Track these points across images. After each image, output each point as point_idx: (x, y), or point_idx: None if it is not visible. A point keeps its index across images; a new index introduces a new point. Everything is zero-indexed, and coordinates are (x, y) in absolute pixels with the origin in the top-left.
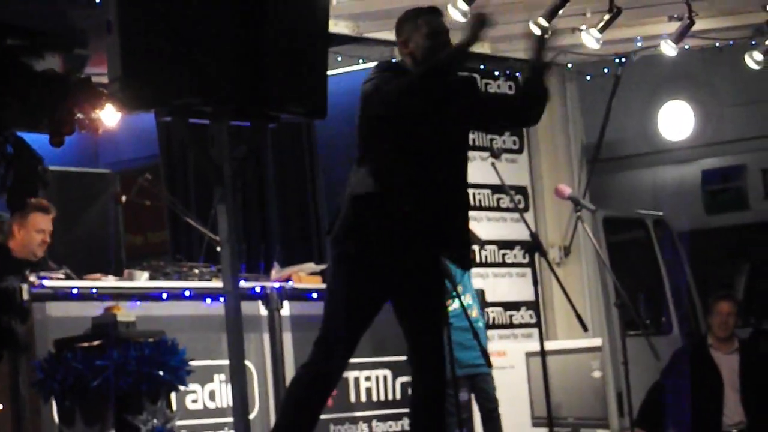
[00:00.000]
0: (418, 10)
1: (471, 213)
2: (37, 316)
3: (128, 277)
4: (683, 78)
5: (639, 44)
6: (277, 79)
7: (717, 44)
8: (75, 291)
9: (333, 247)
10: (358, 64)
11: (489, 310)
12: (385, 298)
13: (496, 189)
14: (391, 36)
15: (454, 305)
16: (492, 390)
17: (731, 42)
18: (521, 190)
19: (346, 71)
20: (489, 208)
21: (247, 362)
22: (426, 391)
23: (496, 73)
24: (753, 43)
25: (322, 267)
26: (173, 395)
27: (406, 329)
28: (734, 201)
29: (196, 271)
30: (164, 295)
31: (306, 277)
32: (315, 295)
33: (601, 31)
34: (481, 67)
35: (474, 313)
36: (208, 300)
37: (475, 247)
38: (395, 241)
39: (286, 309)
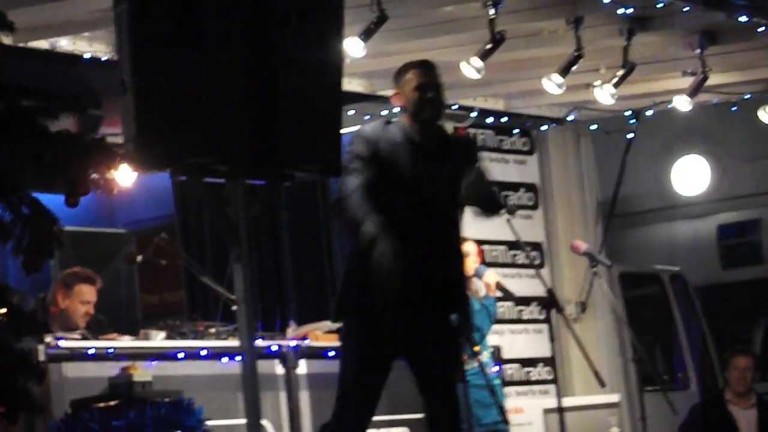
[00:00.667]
0: (410, 63)
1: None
2: (54, 377)
3: (144, 336)
4: (698, 133)
5: (653, 100)
6: (292, 137)
7: (731, 99)
8: (91, 351)
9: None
10: (373, 121)
11: (506, 366)
12: (391, 358)
13: (512, 245)
14: None
15: (472, 364)
16: None
17: (745, 97)
18: (537, 246)
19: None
20: (505, 265)
21: (263, 421)
22: None
23: (512, 131)
24: (767, 97)
25: (339, 325)
26: None
27: (418, 385)
28: (750, 255)
29: (213, 330)
30: (180, 355)
31: (322, 335)
32: (332, 354)
33: (615, 86)
34: (495, 122)
35: (491, 369)
36: (225, 359)
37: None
38: (385, 305)
39: (302, 367)
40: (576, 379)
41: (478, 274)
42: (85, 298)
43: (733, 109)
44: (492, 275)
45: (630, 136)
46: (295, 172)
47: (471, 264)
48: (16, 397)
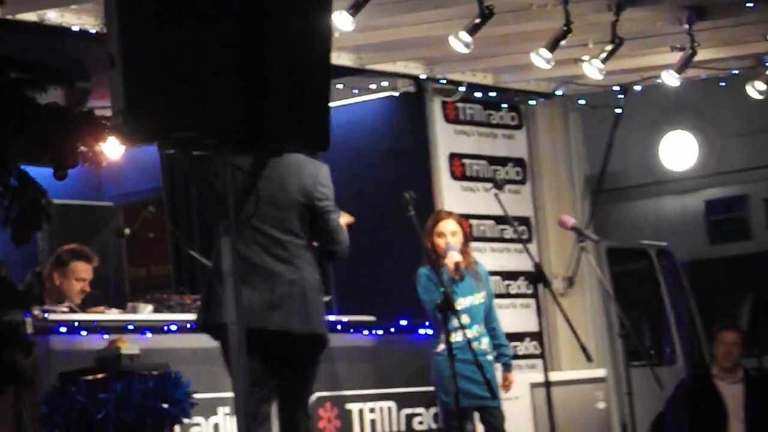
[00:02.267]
0: None
1: (476, 244)
2: (41, 350)
3: (132, 310)
4: (685, 108)
5: (641, 75)
6: (280, 111)
7: (719, 74)
8: (79, 324)
9: None
10: (361, 95)
11: None
12: None
13: (500, 220)
14: (393, 67)
15: (457, 338)
16: (500, 423)
17: (733, 72)
18: (524, 221)
19: (348, 103)
20: (492, 239)
21: None
22: None
23: (500, 105)
24: (755, 72)
25: (326, 299)
26: (177, 428)
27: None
28: (737, 231)
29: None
30: (168, 328)
31: None
32: None
33: (604, 61)
34: (483, 97)
35: (483, 345)
36: None
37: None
38: None
39: None
40: (563, 354)
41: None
42: (80, 275)
43: (722, 84)
44: (453, 255)
45: (618, 111)
46: (284, 146)
47: (442, 243)
48: (3, 369)
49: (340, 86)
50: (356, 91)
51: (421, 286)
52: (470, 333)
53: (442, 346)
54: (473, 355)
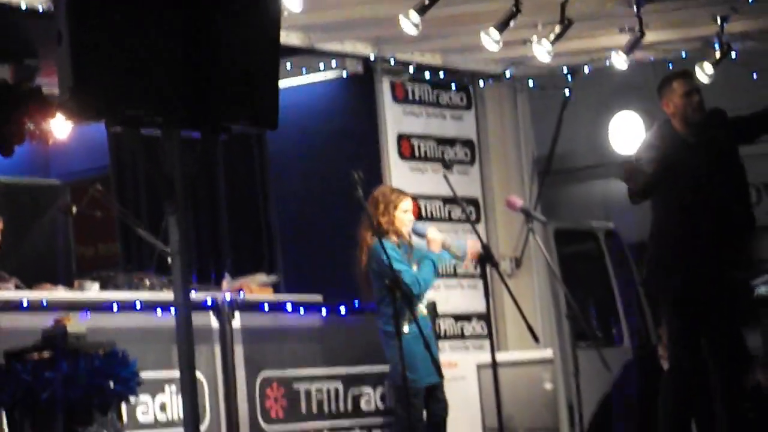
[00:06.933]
0: (672, 74)
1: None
2: None
3: (79, 288)
4: (634, 90)
5: (590, 56)
6: (228, 89)
7: (668, 57)
8: (25, 302)
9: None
10: (309, 75)
11: (440, 321)
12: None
13: (448, 200)
14: (342, 47)
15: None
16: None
17: (682, 54)
18: (473, 201)
19: (297, 83)
20: (440, 220)
21: (197, 373)
22: None
23: (449, 86)
24: (703, 55)
25: (273, 278)
26: (124, 407)
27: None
28: None
29: (147, 282)
30: (115, 307)
31: (257, 288)
32: (266, 307)
33: (553, 43)
34: (432, 77)
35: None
36: (159, 311)
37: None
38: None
39: (237, 320)
40: (510, 335)
41: (420, 232)
42: None
43: (670, 66)
44: (436, 231)
45: (566, 92)
46: (232, 124)
47: (408, 221)
48: None
49: (288, 66)
50: (305, 70)
51: (394, 259)
52: (423, 311)
53: (408, 326)
54: (421, 333)
